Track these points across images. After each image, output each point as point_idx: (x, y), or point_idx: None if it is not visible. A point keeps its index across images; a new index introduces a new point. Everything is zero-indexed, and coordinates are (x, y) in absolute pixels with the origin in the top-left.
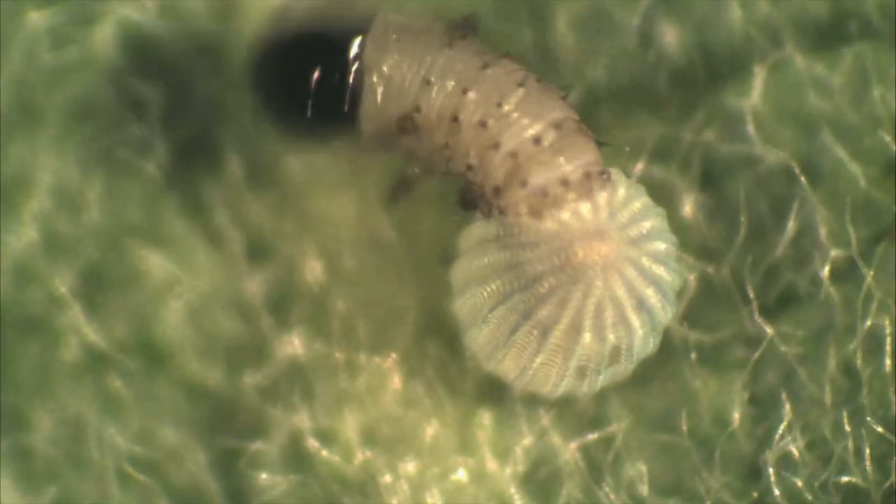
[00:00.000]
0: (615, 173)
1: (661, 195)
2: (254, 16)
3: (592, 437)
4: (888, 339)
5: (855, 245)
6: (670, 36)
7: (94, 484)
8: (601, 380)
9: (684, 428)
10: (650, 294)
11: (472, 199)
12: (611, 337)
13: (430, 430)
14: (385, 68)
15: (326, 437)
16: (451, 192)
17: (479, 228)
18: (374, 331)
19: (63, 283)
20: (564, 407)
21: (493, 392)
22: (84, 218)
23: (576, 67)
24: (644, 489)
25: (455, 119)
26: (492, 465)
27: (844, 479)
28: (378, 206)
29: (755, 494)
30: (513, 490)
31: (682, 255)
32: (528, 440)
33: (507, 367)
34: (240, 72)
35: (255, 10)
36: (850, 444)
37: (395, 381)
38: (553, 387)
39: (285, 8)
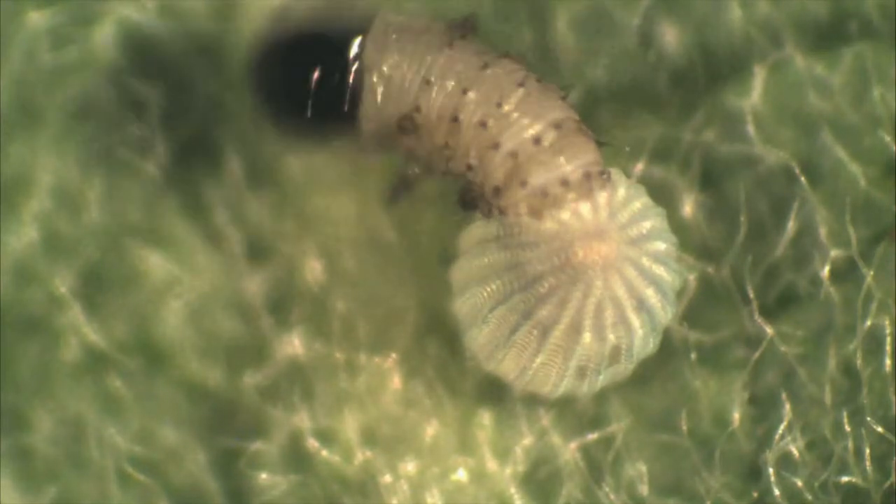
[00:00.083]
0: (615, 173)
1: (661, 195)
2: (254, 16)
3: (592, 437)
4: (888, 339)
5: (855, 245)
6: (670, 36)
7: (94, 484)
8: (601, 380)
9: (684, 428)
10: (650, 294)
11: (472, 199)
12: (611, 337)
13: (430, 430)
14: (385, 68)
15: (326, 437)
16: (451, 192)
17: (479, 228)
18: (374, 331)
19: (63, 283)
20: (564, 407)
21: (493, 392)
22: (84, 218)
23: (576, 67)
24: (644, 489)
25: (455, 119)
26: (492, 465)
27: (844, 479)
28: (378, 206)
29: (755, 494)
30: (513, 490)
31: (682, 255)
32: (528, 440)
33: (507, 367)
34: (240, 72)
35: (255, 10)
36: (850, 444)
37: (395, 381)
38: (553, 387)
39: (285, 8)
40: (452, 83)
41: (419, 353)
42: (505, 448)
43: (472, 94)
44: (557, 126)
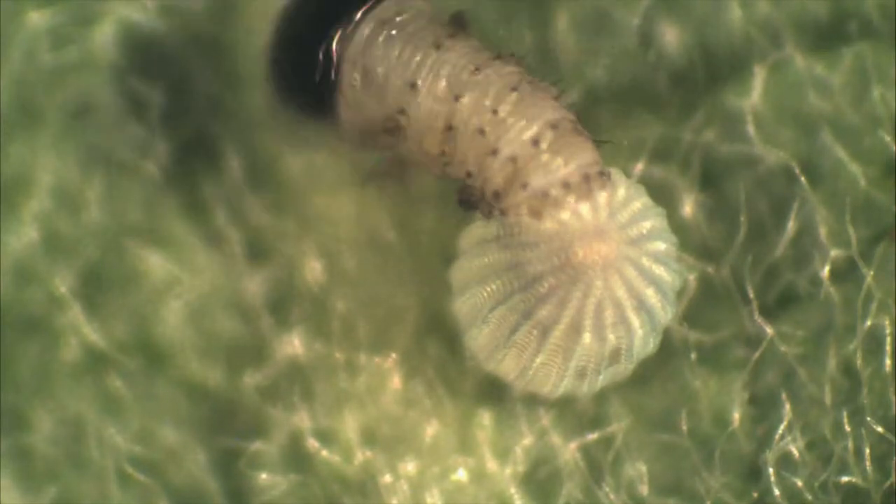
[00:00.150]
0: (615, 173)
1: (661, 195)
2: (254, 16)
3: (592, 437)
4: (888, 339)
5: (855, 245)
6: (670, 36)
7: (94, 484)
8: (601, 380)
9: (684, 428)
10: (650, 294)
11: (471, 200)
12: (611, 337)
13: (430, 430)
14: (366, 62)
15: (326, 437)
16: (450, 192)
17: (479, 228)
18: (374, 331)
19: (63, 283)
20: (564, 407)
21: (493, 392)
22: (84, 218)
23: (576, 67)
24: (644, 489)
25: (450, 128)
26: (492, 465)
27: (844, 479)
28: (378, 206)
29: (755, 494)
30: (513, 490)
31: (682, 255)
32: (528, 440)
33: (507, 367)
34: (242, 69)
35: (255, 10)
36: (850, 444)
37: (395, 381)
38: (553, 387)
39: None
40: (442, 87)
41: (419, 353)
42: (505, 448)
43: (465, 101)
44: (554, 126)
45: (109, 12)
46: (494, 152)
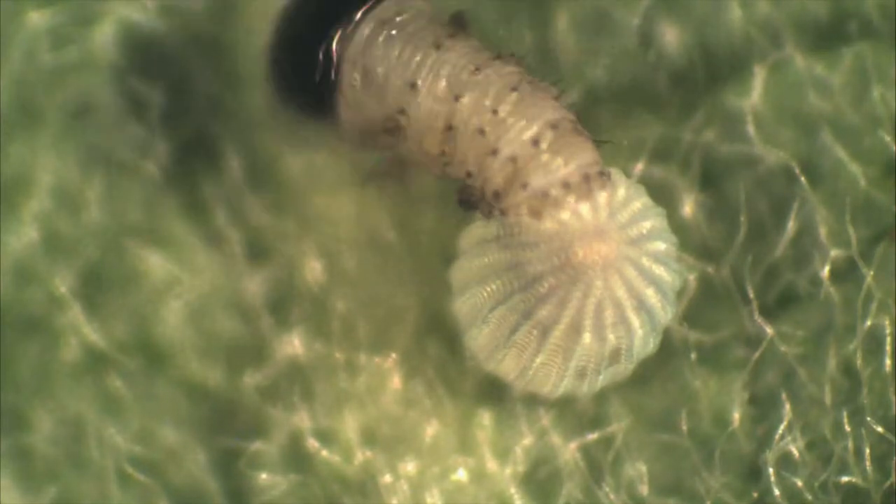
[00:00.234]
0: (615, 173)
1: (661, 195)
2: (254, 16)
3: (592, 437)
4: (888, 339)
5: (855, 245)
6: (670, 36)
7: (94, 484)
8: (601, 380)
9: (684, 428)
10: (650, 294)
11: (471, 200)
12: (611, 337)
13: (430, 430)
14: (365, 62)
15: (326, 437)
16: (450, 192)
17: (479, 228)
18: (374, 331)
19: (63, 283)
20: (564, 407)
21: (493, 392)
22: (84, 218)
23: (576, 67)
24: (644, 489)
25: (450, 128)
26: (492, 465)
27: (844, 479)
28: (378, 206)
29: (755, 494)
30: (513, 490)
31: (682, 255)
32: (528, 440)
33: (507, 367)
34: (242, 69)
35: (255, 10)
36: (850, 444)
37: (395, 381)
38: (553, 387)
39: None
40: (442, 87)
41: (419, 353)
42: (505, 448)
43: (465, 101)
44: (554, 126)
45: (109, 12)
46: (494, 152)
